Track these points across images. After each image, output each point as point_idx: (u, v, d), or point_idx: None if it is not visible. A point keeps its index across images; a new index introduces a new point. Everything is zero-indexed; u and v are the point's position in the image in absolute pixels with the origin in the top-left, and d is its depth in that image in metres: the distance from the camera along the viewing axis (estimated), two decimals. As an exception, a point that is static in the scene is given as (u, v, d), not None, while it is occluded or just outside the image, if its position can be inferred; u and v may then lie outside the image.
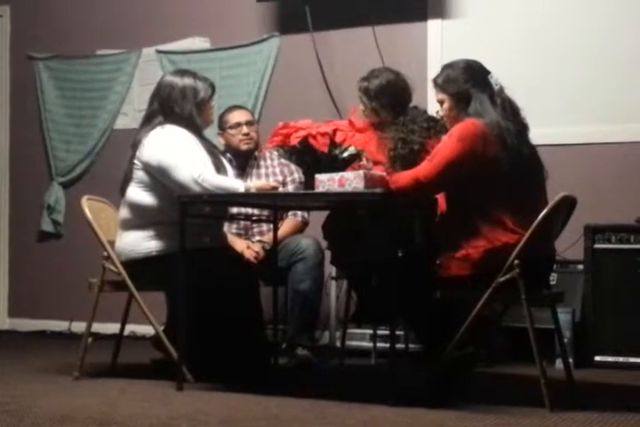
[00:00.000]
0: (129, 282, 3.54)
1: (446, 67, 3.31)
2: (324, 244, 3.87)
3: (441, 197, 3.32)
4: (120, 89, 5.52)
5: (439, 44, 4.76)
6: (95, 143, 5.57)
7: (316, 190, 3.21)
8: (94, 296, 3.59)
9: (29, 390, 3.33)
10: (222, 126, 4.35)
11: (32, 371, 3.80)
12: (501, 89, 3.23)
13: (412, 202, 3.29)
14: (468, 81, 3.22)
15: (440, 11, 4.77)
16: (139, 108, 5.04)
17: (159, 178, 3.52)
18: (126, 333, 3.98)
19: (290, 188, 4.24)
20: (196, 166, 3.43)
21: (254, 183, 3.54)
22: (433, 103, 4.32)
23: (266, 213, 4.14)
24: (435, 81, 3.31)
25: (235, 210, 4.12)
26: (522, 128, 3.21)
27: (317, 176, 3.21)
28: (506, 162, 3.08)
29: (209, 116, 3.75)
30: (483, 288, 3.00)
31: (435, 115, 3.74)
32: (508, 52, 4.54)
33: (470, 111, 3.19)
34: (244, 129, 4.29)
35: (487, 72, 3.27)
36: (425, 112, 3.95)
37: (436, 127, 3.76)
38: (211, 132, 4.18)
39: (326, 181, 3.18)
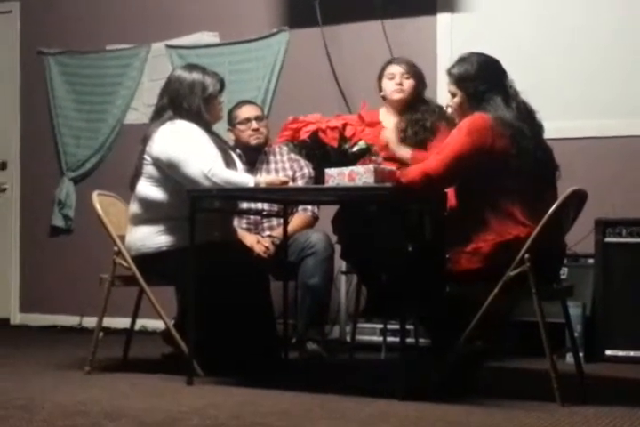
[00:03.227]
0: (139, 277, 3.55)
1: (463, 60, 3.28)
2: (334, 238, 3.87)
3: (450, 192, 3.31)
4: (130, 84, 5.53)
5: (448, 37, 4.75)
6: (105, 138, 5.58)
7: (326, 185, 3.21)
8: (105, 291, 3.60)
9: (41, 385, 3.34)
10: (232, 122, 4.35)
11: (43, 366, 3.82)
12: (516, 92, 3.21)
13: (421, 196, 3.28)
14: (485, 83, 3.19)
15: (449, 4, 4.76)
16: (148, 103, 5.04)
17: (169, 173, 3.53)
18: (137, 327, 3.98)
19: (300, 183, 4.24)
20: (206, 161, 3.43)
21: (264, 178, 3.54)
22: (442, 97, 4.34)
23: (276, 207, 4.14)
24: (449, 72, 3.29)
25: (245, 205, 4.12)
26: (538, 130, 3.20)
27: (327, 171, 3.21)
28: (515, 156, 3.08)
29: (218, 111, 3.74)
30: (493, 282, 3.00)
31: (444, 107, 3.80)
32: (517, 46, 4.53)
33: (478, 110, 3.18)
34: (254, 124, 4.29)
35: (504, 72, 3.24)
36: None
37: (445, 114, 3.85)
38: (220, 127, 4.18)
39: (336, 176, 3.18)
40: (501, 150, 3.08)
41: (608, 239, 4.02)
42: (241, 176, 3.50)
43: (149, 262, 3.55)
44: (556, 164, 3.24)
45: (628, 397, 3.13)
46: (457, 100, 3.27)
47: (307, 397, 3.06)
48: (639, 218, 4.05)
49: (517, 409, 2.84)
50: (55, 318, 5.56)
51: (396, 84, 3.93)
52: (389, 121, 3.96)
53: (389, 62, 4.02)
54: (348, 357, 4.01)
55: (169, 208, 3.55)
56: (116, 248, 3.60)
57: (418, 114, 3.90)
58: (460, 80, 3.25)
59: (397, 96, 3.93)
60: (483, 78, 3.21)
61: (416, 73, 3.97)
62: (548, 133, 3.30)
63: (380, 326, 4.18)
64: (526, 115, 3.19)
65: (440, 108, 3.96)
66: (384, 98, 4.00)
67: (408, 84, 3.93)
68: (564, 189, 3.04)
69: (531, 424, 2.63)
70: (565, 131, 4.35)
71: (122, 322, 4.32)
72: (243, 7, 5.27)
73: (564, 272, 3.95)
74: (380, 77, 4.00)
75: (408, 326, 3.86)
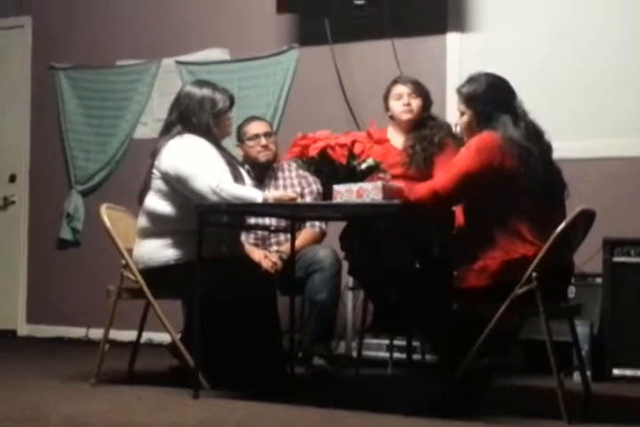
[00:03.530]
0: (146, 290, 3.56)
1: (472, 80, 3.30)
2: (342, 254, 3.87)
3: (458, 211, 3.32)
4: (140, 99, 5.56)
5: (458, 57, 4.77)
6: (114, 152, 5.60)
7: (334, 201, 3.22)
8: (112, 303, 3.60)
9: (47, 397, 3.34)
10: (241, 138, 4.36)
11: (49, 377, 3.81)
12: (525, 113, 3.23)
13: (429, 213, 3.29)
14: (493, 102, 3.21)
15: (459, 24, 4.78)
16: (158, 118, 5.07)
17: (177, 187, 3.54)
18: (143, 340, 3.98)
19: (308, 199, 4.24)
20: (215, 176, 3.44)
21: (272, 194, 3.55)
22: (451, 115, 4.36)
23: (283, 223, 4.15)
24: (459, 91, 3.31)
25: (252, 220, 4.13)
26: (546, 150, 3.21)
27: (335, 187, 3.22)
28: (524, 175, 3.09)
29: (227, 127, 3.76)
30: (500, 300, 3.00)
31: (453, 126, 3.83)
32: (526, 66, 4.53)
33: (483, 128, 3.20)
34: (263, 140, 4.29)
35: (512, 93, 3.26)
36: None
37: (451, 130, 3.88)
38: (229, 143, 4.19)
39: (344, 192, 3.19)
40: (510, 169, 3.09)
41: (616, 259, 4.01)
42: (249, 191, 3.51)
43: (157, 276, 3.56)
44: (564, 183, 3.25)
45: (635, 416, 3.12)
46: (465, 118, 3.29)
47: (312, 412, 3.06)
48: (647, 238, 4.05)
49: (524, 427, 2.83)
50: (62, 330, 5.55)
51: (403, 104, 3.93)
52: (397, 140, 3.97)
53: (395, 82, 4.02)
54: (355, 372, 4.00)
55: (177, 222, 3.56)
56: (123, 261, 3.60)
57: (426, 130, 3.91)
58: (468, 99, 3.27)
59: (406, 117, 3.94)
60: (491, 98, 3.23)
61: (422, 91, 3.98)
62: (558, 153, 3.31)
63: (387, 342, 4.17)
64: (535, 135, 3.20)
65: (447, 124, 3.98)
66: (392, 117, 4.02)
67: (416, 103, 3.94)
68: (573, 208, 3.05)
69: (537, 442, 2.63)
70: (575, 150, 4.34)
71: (128, 335, 4.31)
72: (253, 24, 5.30)
73: (571, 291, 3.94)
74: (386, 98, 4.01)
75: (414, 343, 3.85)
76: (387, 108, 4.02)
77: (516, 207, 3.10)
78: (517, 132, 3.16)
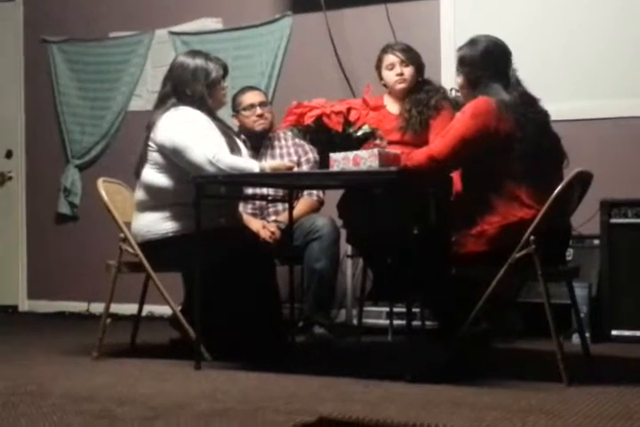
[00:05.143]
0: (146, 263, 3.56)
1: (471, 43, 3.28)
2: (340, 222, 3.87)
3: (456, 177, 3.31)
4: (134, 71, 5.53)
5: (452, 20, 4.73)
6: (110, 125, 5.59)
7: (331, 169, 3.21)
8: (112, 277, 3.61)
9: (49, 371, 3.36)
10: (236, 108, 4.34)
11: (51, 352, 3.83)
12: (517, 82, 3.20)
13: (426, 180, 3.28)
14: (483, 69, 3.19)
15: (452, -13, 4.74)
16: (152, 90, 5.05)
17: (174, 159, 3.53)
18: (144, 313, 4.00)
19: (304, 168, 4.24)
20: (211, 147, 3.43)
21: (269, 163, 3.54)
22: (445, 79, 4.35)
23: (281, 192, 4.14)
24: (457, 53, 3.31)
25: (250, 190, 4.12)
26: (543, 117, 3.19)
27: (332, 155, 3.21)
28: (519, 140, 3.08)
29: (221, 97, 3.73)
30: (499, 264, 3.00)
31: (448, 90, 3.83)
32: (520, 29, 4.50)
33: (476, 94, 3.19)
34: (258, 110, 4.28)
35: (507, 61, 3.23)
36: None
37: (447, 93, 3.89)
38: (225, 113, 4.17)
39: (341, 160, 3.18)
40: (506, 133, 3.09)
41: (614, 220, 4.01)
42: (246, 162, 3.50)
43: (155, 249, 3.56)
44: (563, 152, 3.23)
45: (634, 376, 3.13)
46: (459, 80, 3.30)
47: (314, 380, 3.07)
48: (645, 199, 4.04)
49: (525, 390, 2.84)
50: (63, 305, 5.58)
51: (396, 74, 3.89)
52: (393, 107, 3.95)
53: (385, 51, 3.95)
54: (355, 340, 4.02)
55: (174, 195, 3.55)
56: (122, 235, 3.60)
57: (422, 94, 3.89)
58: (460, 63, 3.29)
59: (401, 86, 3.91)
60: (483, 64, 3.21)
61: (414, 58, 3.92)
62: (554, 114, 3.29)
63: (387, 309, 4.19)
64: (528, 102, 3.18)
65: (443, 88, 3.97)
66: (385, 86, 3.99)
67: (408, 71, 3.90)
68: (571, 170, 3.04)
69: (538, 404, 2.63)
70: (571, 111, 4.33)
71: (129, 308, 4.33)
72: (245, -7, 5.26)
73: (569, 253, 3.94)
74: (378, 67, 3.98)
75: (414, 309, 3.86)
76: (380, 78, 3.99)
77: (513, 172, 3.10)
78: (510, 98, 3.14)
